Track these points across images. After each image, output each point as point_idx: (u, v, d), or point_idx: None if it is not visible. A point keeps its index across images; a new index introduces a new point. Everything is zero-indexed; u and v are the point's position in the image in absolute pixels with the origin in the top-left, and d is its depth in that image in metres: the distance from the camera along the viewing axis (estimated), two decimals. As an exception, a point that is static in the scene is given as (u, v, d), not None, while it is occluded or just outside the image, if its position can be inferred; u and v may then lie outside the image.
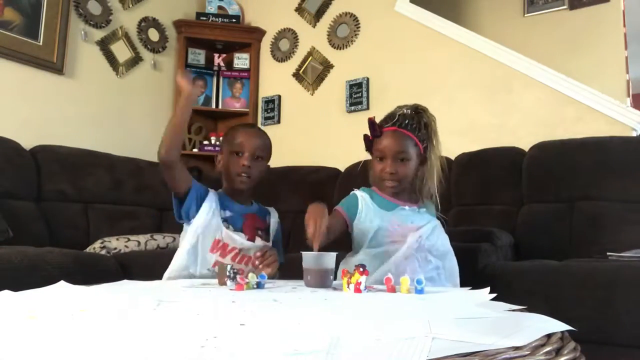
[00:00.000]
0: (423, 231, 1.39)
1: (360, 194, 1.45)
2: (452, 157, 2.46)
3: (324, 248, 1.20)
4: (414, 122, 1.41)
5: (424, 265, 1.36)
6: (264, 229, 1.52)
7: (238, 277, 1.09)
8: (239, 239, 1.42)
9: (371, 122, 1.41)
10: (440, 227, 1.45)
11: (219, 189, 1.53)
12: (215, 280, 1.26)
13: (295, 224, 2.59)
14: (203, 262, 1.40)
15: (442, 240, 1.43)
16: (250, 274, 1.11)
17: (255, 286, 1.09)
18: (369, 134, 1.44)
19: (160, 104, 3.33)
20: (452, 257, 1.44)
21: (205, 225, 1.39)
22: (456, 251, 1.45)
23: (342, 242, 1.43)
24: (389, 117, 1.44)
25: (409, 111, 1.43)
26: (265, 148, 1.50)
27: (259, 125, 3.53)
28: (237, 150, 1.45)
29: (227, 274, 1.18)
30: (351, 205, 1.43)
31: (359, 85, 3.14)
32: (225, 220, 1.43)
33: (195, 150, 3.44)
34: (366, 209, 1.41)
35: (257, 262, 1.42)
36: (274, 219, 1.56)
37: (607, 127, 2.38)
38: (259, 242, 1.46)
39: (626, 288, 1.46)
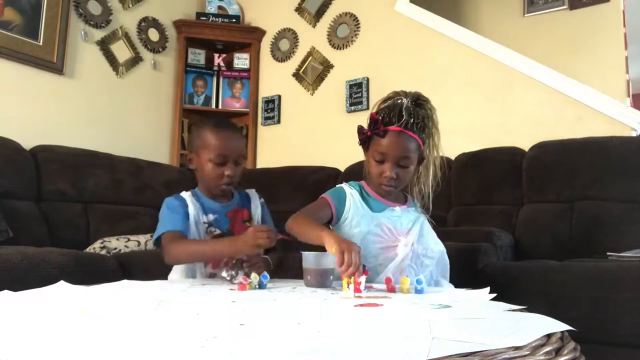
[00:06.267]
0: (413, 235, 1.29)
1: (349, 191, 1.33)
2: (452, 157, 2.47)
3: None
4: (419, 119, 1.27)
5: (421, 271, 1.27)
6: (250, 218, 1.43)
7: (241, 277, 1.09)
8: None
9: (375, 119, 1.28)
10: (427, 222, 1.36)
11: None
12: (216, 280, 1.26)
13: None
14: (201, 273, 1.36)
15: (434, 239, 1.35)
16: (253, 274, 1.11)
17: (257, 286, 1.09)
18: (364, 127, 1.32)
19: (160, 104, 3.34)
20: (445, 254, 1.36)
21: (191, 235, 1.33)
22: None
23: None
24: (393, 114, 1.27)
25: (409, 102, 1.28)
26: (244, 147, 1.35)
27: (260, 125, 3.54)
28: (218, 161, 1.32)
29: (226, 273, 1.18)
30: (341, 200, 1.32)
31: (359, 85, 3.14)
32: (210, 224, 1.36)
33: (195, 150, 3.44)
34: (353, 210, 1.30)
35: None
36: (254, 205, 1.46)
37: (607, 127, 2.38)
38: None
39: (626, 288, 1.46)
